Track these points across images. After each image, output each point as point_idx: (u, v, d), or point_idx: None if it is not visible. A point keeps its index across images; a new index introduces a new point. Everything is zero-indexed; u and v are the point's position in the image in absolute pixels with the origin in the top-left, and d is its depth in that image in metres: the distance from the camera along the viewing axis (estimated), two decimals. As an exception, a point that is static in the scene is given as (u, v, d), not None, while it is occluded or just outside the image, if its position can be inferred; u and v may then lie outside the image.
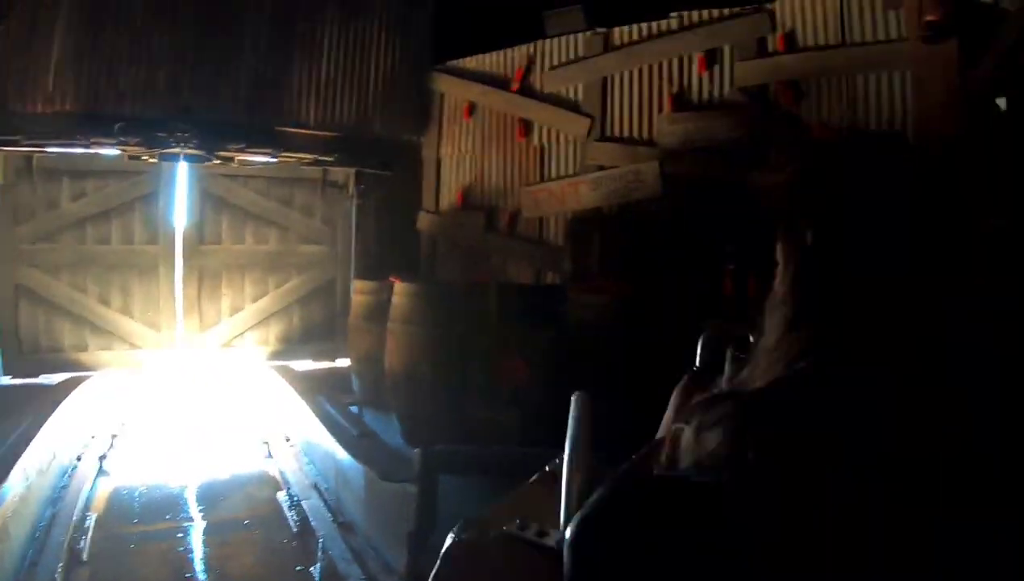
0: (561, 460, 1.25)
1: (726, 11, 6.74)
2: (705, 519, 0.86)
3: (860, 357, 0.98)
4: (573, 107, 7.79)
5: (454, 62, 8.88)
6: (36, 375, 7.73)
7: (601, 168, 7.43)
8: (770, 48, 6.47)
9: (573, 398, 1.28)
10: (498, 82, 8.43)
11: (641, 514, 0.89)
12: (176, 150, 7.86)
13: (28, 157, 7.76)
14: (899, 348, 0.98)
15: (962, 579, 0.88)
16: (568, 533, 0.90)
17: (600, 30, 7.61)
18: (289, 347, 8.99)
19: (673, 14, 7.07)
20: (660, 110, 7.09)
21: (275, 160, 8.50)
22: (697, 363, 2.36)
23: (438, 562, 1.49)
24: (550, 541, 1.32)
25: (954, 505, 0.87)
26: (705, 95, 6.88)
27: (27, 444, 4.86)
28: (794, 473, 0.89)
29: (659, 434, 1.47)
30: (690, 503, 0.88)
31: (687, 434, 1.01)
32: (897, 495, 0.86)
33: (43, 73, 7.50)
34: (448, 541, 1.50)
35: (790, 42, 6.34)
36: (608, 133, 7.50)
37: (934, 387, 0.95)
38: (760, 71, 6.51)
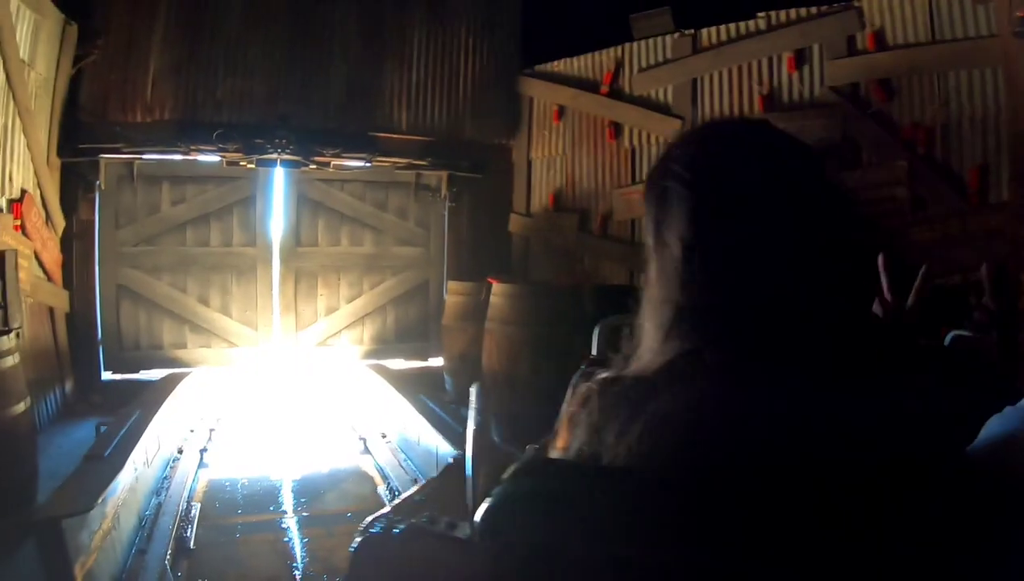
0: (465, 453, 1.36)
1: (814, 10, 6.85)
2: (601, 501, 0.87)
3: (733, 352, 0.97)
4: (663, 109, 7.99)
5: (542, 66, 9.17)
6: (136, 371, 8.24)
7: None
8: (860, 46, 6.57)
9: (472, 389, 1.37)
10: (587, 85, 8.68)
11: (545, 500, 0.89)
12: (273, 156, 8.35)
13: (129, 164, 8.22)
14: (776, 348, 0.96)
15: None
16: (476, 524, 0.89)
17: (688, 32, 7.79)
18: (383, 346, 9.31)
19: (761, 14, 7.20)
20: (751, 110, 7.21)
21: (369, 164, 8.92)
22: (594, 352, 2.43)
23: (350, 559, 1.59)
24: (460, 533, 1.36)
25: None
26: (796, 95, 7.00)
27: (138, 436, 5.14)
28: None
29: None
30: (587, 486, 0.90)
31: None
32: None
33: (142, 84, 8.08)
34: (357, 538, 1.58)
35: (880, 40, 6.43)
36: None
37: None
38: (851, 69, 6.61)
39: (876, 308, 1.43)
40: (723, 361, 0.96)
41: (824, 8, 6.78)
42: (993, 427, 0.94)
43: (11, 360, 4.29)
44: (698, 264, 1.01)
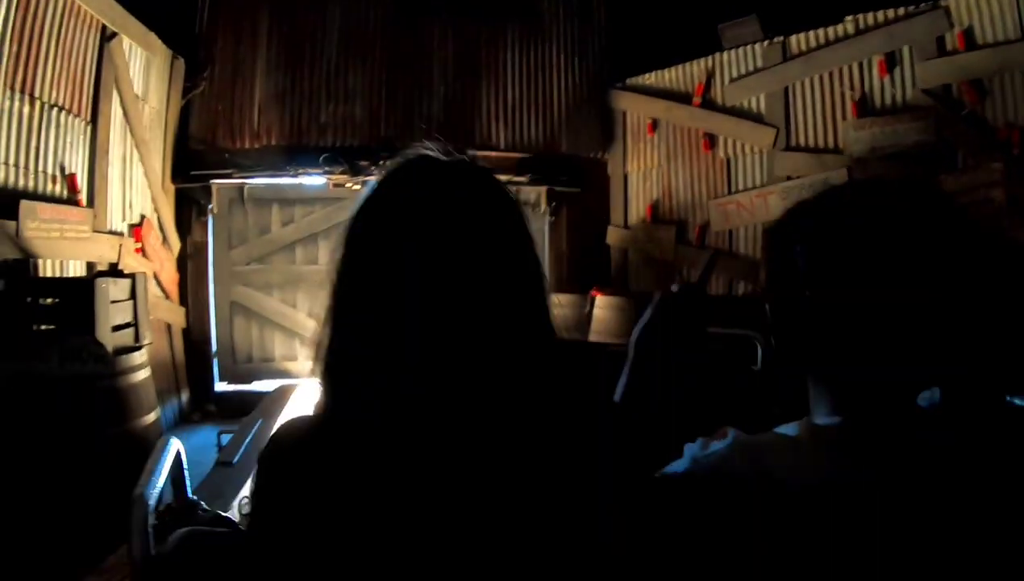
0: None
1: (902, 11, 6.88)
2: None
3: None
4: (756, 118, 8.10)
5: (634, 79, 9.44)
6: (249, 382, 9.01)
7: (789, 178, 7.72)
8: (949, 46, 6.58)
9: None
10: (679, 97, 8.89)
11: None
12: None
13: (239, 188, 9.07)
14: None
15: None
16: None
17: (777, 39, 7.90)
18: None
19: (849, 17, 7.26)
20: (844, 117, 7.30)
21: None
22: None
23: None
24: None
25: None
26: (888, 99, 7.04)
27: (263, 442, 5.81)
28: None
29: None
30: None
31: None
32: None
33: (248, 112, 8.89)
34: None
35: (969, 39, 6.43)
36: (794, 143, 7.75)
37: None
38: (941, 71, 6.62)
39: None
40: None
41: (911, 9, 6.83)
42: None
43: (143, 374, 5.09)
44: None
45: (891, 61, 7.00)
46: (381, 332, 1.03)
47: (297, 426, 1.12)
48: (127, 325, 5.46)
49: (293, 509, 1.02)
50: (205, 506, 2.84)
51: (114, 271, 6.12)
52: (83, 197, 6.26)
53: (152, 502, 2.70)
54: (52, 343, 4.70)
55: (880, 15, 7.07)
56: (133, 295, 5.61)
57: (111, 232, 6.75)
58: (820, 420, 1.16)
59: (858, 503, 1.03)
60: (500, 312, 1.07)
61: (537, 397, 1.06)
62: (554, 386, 1.10)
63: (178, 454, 3.34)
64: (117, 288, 5.34)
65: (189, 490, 3.39)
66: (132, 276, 5.72)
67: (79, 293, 4.99)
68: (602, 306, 7.38)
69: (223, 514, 2.66)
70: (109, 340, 4.99)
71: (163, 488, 2.93)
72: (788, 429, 1.19)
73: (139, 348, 5.30)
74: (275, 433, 1.12)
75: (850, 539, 1.02)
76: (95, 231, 6.37)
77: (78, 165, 6.23)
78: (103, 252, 6.52)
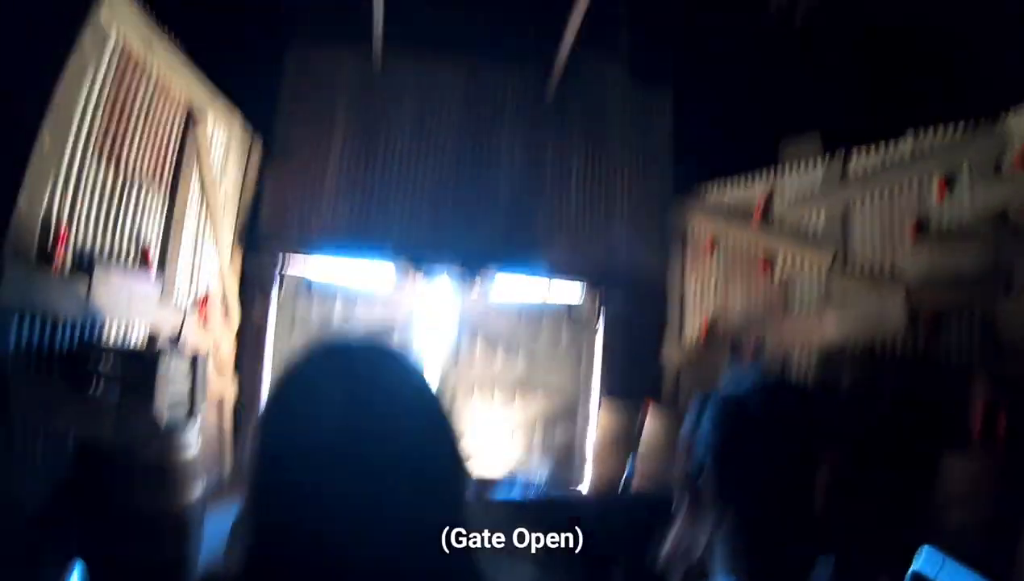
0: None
1: (959, 131, 6.93)
2: None
3: None
4: (814, 239, 8.13)
5: (695, 194, 9.66)
6: None
7: (846, 302, 7.66)
8: (1007, 168, 6.56)
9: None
10: (739, 214, 9.02)
11: None
12: (439, 277, 9.44)
13: (304, 278, 9.60)
14: None
15: None
16: None
17: (838, 157, 7.99)
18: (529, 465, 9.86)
19: (908, 136, 7.31)
20: (902, 239, 7.26)
21: (531, 286, 9.80)
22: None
23: None
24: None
25: None
26: (947, 221, 6.97)
27: None
28: None
29: None
30: None
31: None
32: None
33: (319, 198, 9.40)
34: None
35: (1025, 159, 6.44)
36: (851, 265, 7.77)
37: None
38: (999, 193, 6.57)
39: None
40: None
41: (969, 129, 6.87)
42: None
43: (192, 451, 5.31)
44: None
45: (950, 182, 7.00)
46: (290, 515, 1.09)
47: None
48: (183, 403, 5.77)
49: None
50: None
51: (177, 348, 6.45)
52: (154, 267, 6.68)
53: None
54: (111, 412, 5.00)
55: (940, 133, 7.13)
56: (193, 374, 5.94)
57: (176, 304, 7.15)
58: None
59: None
60: (401, 504, 1.11)
61: None
62: None
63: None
64: (178, 368, 5.67)
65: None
66: (195, 356, 6.05)
67: (143, 366, 5.31)
68: (655, 419, 7.44)
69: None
70: (165, 416, 5.31)
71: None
72: None
73: (192, 426, 5.57)
74: None
75: None
76: (162, 301, 6.78)
77: (152, 236, 6.69)
78: (167, 322, 6.90)
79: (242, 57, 8.52)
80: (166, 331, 6.84)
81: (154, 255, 6.71)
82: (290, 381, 1.22)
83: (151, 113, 6.50)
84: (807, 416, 1.47)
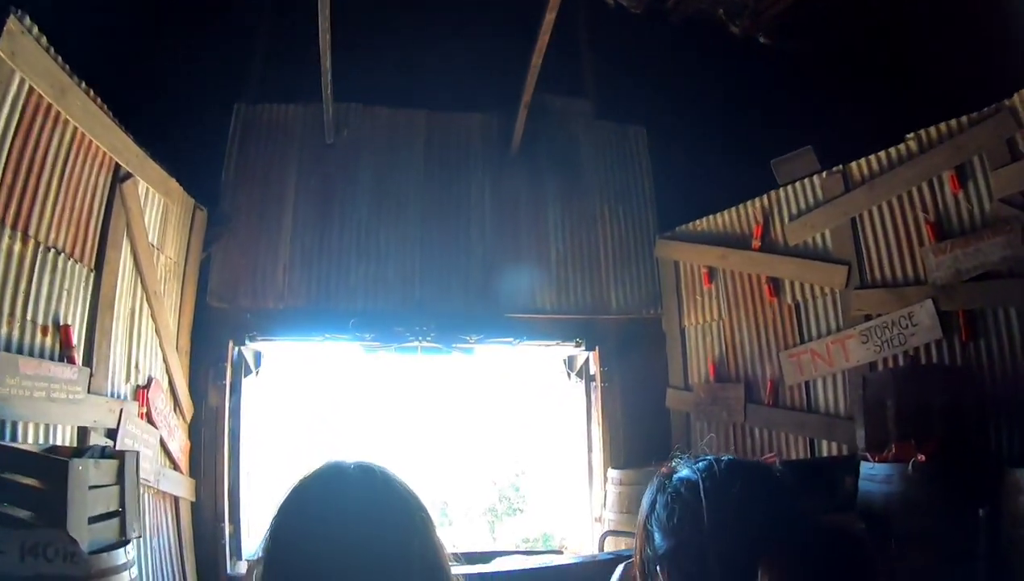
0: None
1: (964, 120, 6.62)
2: None
3: None
4: (823, 256, 7.76)
5: (683, 227, 9.24)
6: None
7: (868, 318, 7.26)
8: (1021, 148, 6.24)
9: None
10: (736, 241, 8.62)
11: None
12: (413, 343, 8.63)
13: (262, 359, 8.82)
14: None
15: None
16: None
17: (836, 169, 7.67)
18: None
19: (910, 135, 7.03)
20: (921, 242, 6.92)
21: (515, 347, 9.07)
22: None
23: None
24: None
25: None
26: (966, 216, 6.64)
27: None
28: None
29: None
30: None
31: None
32: None
33: (272, 271, 8.67)
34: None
35: (1042, 135, 6.15)
36: (869, 278, 7.36)
37: None
38: (1017, 176, 6.25)
39: None
40: None
41: (974, 116, 6.54)
42: None
43: (127, 576, 4.37)
44: None
45: (963, 175, 6.65)
46: None
47: None
48: (111, 515, 4.73)
49: None
50: None
51: (100, 450, 5.31)
52: (78, 353, 5.81)
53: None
54: (14, 538, 4.04)
55: (943, 127, 6.80)
56: (121, 478, 4.88)
57: (111, 394, 6.26)
58: None
59: None
60: None
61: None
62: None
63: None
64: (100, 470, 4.64)
65: None
66: (121, 455, 5.03)
67: (53, 474, 4.30)
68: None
69: None
70: (85, 534, 4.29)
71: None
72: None
73: (125, 544, 4.58)
74: None
75: None
76: (91, 393, 5.86)
77: (75, 317, 5.80)
78: (99, 416, 5.96)
79: (180, 119, 7.95)
80: (98, 424, 5.94)
81: (78, 338, 5.84)
82: (300, 499, 1.57)
83: (69, 173, 5.75)
84: (770, 510, 1.48)
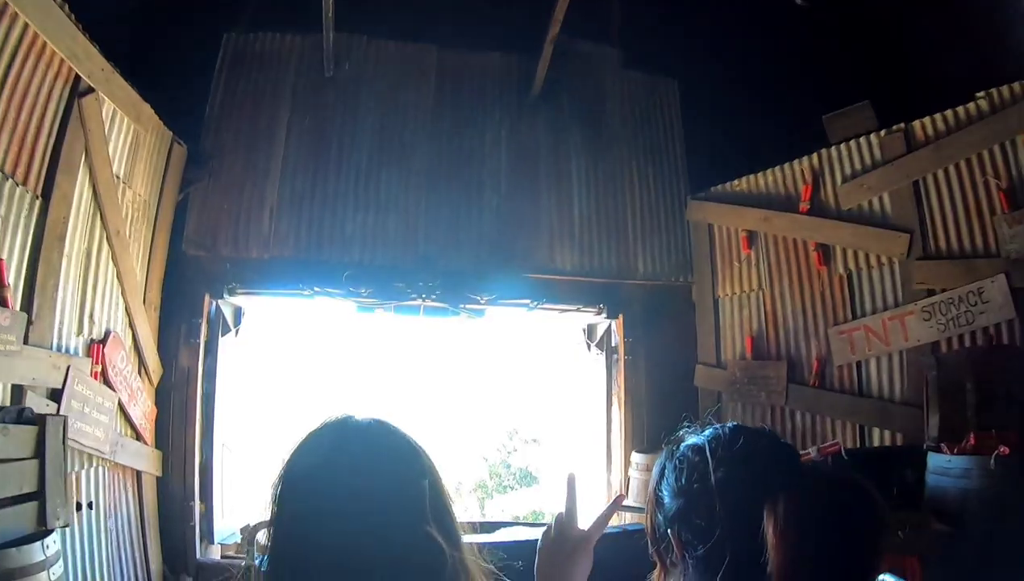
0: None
1: None
2: None
3: None
4: (882, 222, 7.03)
5: (719, 188, 8.49)
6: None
7: (931, 292, 6.53)
8: None
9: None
10: (781, 203, 7.87)
11: None
12: (416, 302, 7.87)
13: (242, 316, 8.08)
14: None
15: None
16: None
17: (898, 127, 6.92)
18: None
19: (980, 94, 6.30)
20: (993, 211, 6.20)
21: (531, 311, 8.33)
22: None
23: None
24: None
25: None
26: None
27: None
28: None
29: None
30: None
31: None
32: None
33: (258, 217, 7.81)
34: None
35: None
36: (932, 248, 6.64)
37: None
38: None
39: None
40: None
41: None
42: None
43: (45, 577, 3.49)
44: None
45: None
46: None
47: None
48: (25, 497, 3.91)
49: None
50: None
51: (17, 413, 4.30)
52: (14, 295, 4.84)
53: None
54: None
55: (1017, 86, 6.12)
56: (41, 451, 4.05)
57: (56, 348, 5.32)
58: None
59: None
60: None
61: None
62: None
63: None
64: (8, 439, 3.80)
65: None
66: (42, 419, 4.18)
67: None
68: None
69: None
70: None
71: None
72: None
73: (45, 535, 3.76)
74: None
75: None
76: (29, 344, 4.89)
77: (12, 250, 4.87)
78: (39, 373, 5.00)
79: (161, 46, 7.19)
80: (37, 383, 4.97)
81: (15, 276, 4.89)
82: (306, 455, 1.53)
83: (11, 74, 4.82)
84: (774, 461, 1.47)
